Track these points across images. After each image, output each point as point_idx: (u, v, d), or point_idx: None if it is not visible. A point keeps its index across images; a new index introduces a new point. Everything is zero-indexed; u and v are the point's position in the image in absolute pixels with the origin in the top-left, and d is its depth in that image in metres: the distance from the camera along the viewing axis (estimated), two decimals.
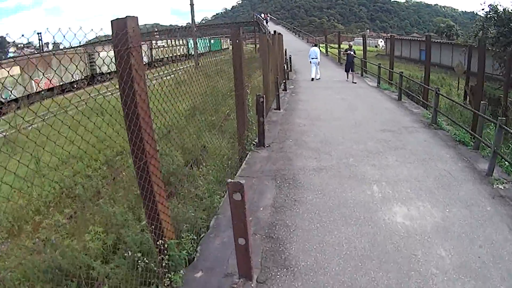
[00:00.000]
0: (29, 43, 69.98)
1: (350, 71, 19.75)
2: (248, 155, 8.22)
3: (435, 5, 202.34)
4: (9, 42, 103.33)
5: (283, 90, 16.60)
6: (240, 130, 8.37)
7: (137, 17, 3.53)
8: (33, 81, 25.50)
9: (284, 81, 16.71)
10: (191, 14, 42.50)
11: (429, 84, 16.51)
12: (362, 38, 29.49)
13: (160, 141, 12.89)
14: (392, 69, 20.72)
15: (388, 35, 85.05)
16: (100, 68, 31.27)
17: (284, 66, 19.71)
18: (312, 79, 20.68)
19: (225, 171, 7.66)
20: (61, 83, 26.84)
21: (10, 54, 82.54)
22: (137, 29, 3.46)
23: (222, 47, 64.74)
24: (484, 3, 24.18)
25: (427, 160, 7.76)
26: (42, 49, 63.10)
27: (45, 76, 24.94)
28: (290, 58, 25.16)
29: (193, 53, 30.10)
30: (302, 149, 8.54)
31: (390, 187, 6.46)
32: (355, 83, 19.08)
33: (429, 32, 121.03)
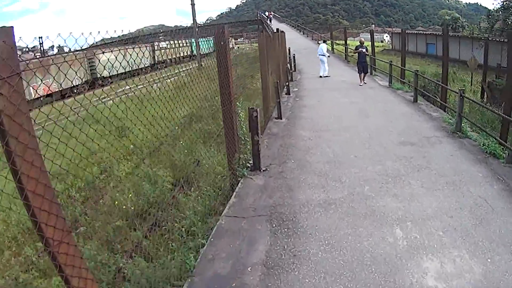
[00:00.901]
0: (34, 46, 68.93)
1: (362, 73, 17.19)
2: (240, 183, 6.72)
3: None
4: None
5: (286, 94, 15.11)
6: (229, 152, 6.88)
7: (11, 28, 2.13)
8: (31, 88, 23.80)
9: (287, 83, 15.17)
10: (192, 14, 41.74)
11: (447, 83, 14.88)
12: (369, 33, 27.87)
13: (148, 158, 11.77)
14: (404, 67, 19.12)
15: (394, 29, 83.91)
16: (100, 73, 30.60)
17: (287, 67, 18.18)
18: (320, 76, 20.05)
19: (217, 198, 6.36)
20: (60, 89, 26.49)
21: None
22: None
23: None
24: None
25: (457, 184, 6.29)
26: (43, 54, 62.31)
27: (43, 82, 23.20)
28: (294, 57, 23.51)
29: (203, 52, 28.94)
30: (306, 173, 7.00)
31: (418, 229, 4.98)
32: (365, 83, 17.11)
33: (434, 25, 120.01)
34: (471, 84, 27.88)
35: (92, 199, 10.09)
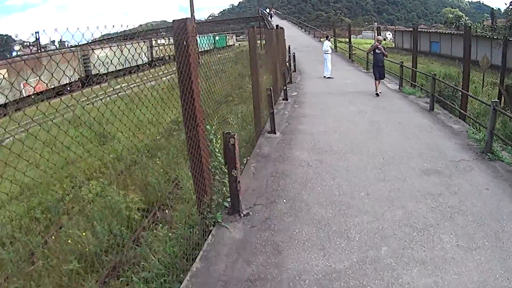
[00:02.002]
0: (34, 41, 67.40)
1: (379, 79, 14.05)
2: (210, 236, 4.88)
3: None
4: (14, 40, 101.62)
5: (283, 100, 13.21)
6: (198, 193, 5.04)
7: None
8: (22, 85, 23.61)
9: (284, 87, 13.26)
10: (190, 9, 40.06)
11: (468, 89, 13.00)
12: (376, 31, 26.01)
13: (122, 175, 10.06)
14: (416, 68, 17.21)
15: (396, 27, 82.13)
16: (96, 69, 29.42)
17: (285, 68, 16.30)
18: (324, 77, 18.58)
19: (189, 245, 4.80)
20: (52, 86, 24.75)
21: (15, 53, 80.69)
22: None
23: (228, 44, 62.72)
24: None
25: (500, 237, 4.60)
26: (39, 49, 61.17)
27: (35, 79, 22.94)
28: (294, 56, 21.56)
29: (202, 48, 27.59)
30: (301, 223, 5.08)
31: None
32: (380, 92, 13.94)
33: (436, 23, 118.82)
34: (483, 86, 25.92)
35: (55, 225, 8.32)
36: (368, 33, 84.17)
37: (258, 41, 47.13)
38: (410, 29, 62.11)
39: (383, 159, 7.30)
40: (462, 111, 11.97)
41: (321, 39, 38.69)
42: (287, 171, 6.89)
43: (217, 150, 5.55)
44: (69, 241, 6.74)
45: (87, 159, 12.31)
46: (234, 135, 4.92)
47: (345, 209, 5.39)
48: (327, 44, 19.35)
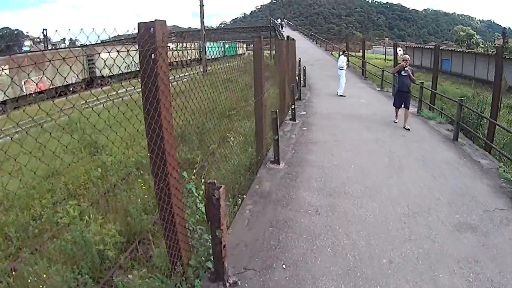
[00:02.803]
0: (46, 36, 66.93)
1: (402, 107, 11.65)
2: None
3: (452, 13, 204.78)
4: (26, 35, 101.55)
5: (290, 120, 11.92)
6: (172, 256, 3.76)
7: None
8: (22, 82, 23.87)
9: (292, 106, 11.93)
10: (200, 15, 39.85)
11: (497, 117, 11.64)
12: (393, 46, 24.71)
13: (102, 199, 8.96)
14: (436, 89, 15.88)
15: (407, 43, 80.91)
16: (100, 71, 29.62)
17: (294, 84, 15.05)
18: (340, 95, 17.13)
19: None
20: (53, 86, 24.98)
21: (25, 48, 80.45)
22: None
23: (238, 52, 61.85)
24: None
25: None
26: (46, 46, 61.03)
27: (37, 78, 22.67)
28: (304, 70, 20.30)
29: (211, 56, 27.46)
30: None
31: None
32: (408, 129, 11.18)
33: (447, 41, 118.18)
34: (499, 109, 24.51)
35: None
36: (379, 48, 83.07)
37: (268, 52, 46.32)
38: (421, 46, 61.34)
39: (408, 207, 5.97)
40: (489, 143, 10.63)
41: (333, 53, 37.61)
42: (291, 220, 5.58)
43: (198, 201, 4.28)
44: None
45: (75, 170, 11.41)
46: (220, 187, 3.64)
47: (362, 285, 4.07)
48: (343, 60, 18.03)
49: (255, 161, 7.96)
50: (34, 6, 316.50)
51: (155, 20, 3.13)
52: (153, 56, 3.16)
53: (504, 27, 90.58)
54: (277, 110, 7.39)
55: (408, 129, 11.06)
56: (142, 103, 3.32)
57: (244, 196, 6.43)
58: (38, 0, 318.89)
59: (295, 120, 11.83)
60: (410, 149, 9.16)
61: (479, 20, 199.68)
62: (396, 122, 11.86)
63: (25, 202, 9.41)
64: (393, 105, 12.05)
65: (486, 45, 70.02)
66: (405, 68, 11.32)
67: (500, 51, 11.85)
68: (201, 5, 39.16)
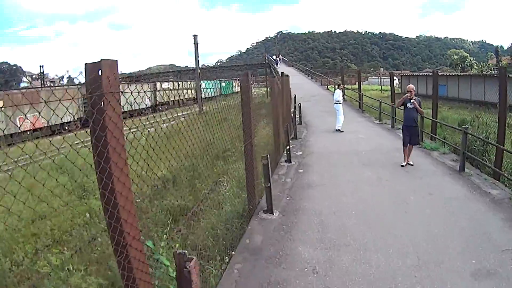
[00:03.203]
0: (43, 73, 67.66)
1: (409, 144, 10.38)
2: None
3: (445, 38, 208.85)
4: (24, 71, 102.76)
5: (285, 161, 11.32)
6: None
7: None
8: (18, 119, 24.17)
9: (287, 147, 11.36)
10: (194, 54, 39.68)
11: (504, 142, 10.95)
12: (389, 76, 24.31)
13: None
14: (437, 118, 15.32)
15: (402, 72, 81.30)
16: None
17: (289, 123, 14.55)
18: (338, 130, 16.63)
19: None
20: (48, 124, 24.69)
21: (23, 84, 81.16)
22: None
23: (234, 90, 62.12)
24: None
25: None
26: (43, 83, 61.83)
27: (32, 115, 22.69)
28: (299, 106, 19.89)
29: (207, 95, 27.59)
30: None
31: None
32: (412, 164, 10.36)
33: (441, 66, 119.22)
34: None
35: None
36: (374, 79, 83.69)
37: (264, 89, 46.39)
38: (416, 74, 61.49)
39: (417, 257, 5.27)
40: (498, 170, 9.96)
41: (329, 87, 37.43)
42: (284, 281, 4.87)
43: (171, 271, 3.63)
44: None
45: (63, 213, 10.79)
46: (192, 259, 3.01)
47: None
48: (339, 94, 17.57)
49: (247, 209, 7.32)
50: (34, 43, 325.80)
51: (102, 60, 2.58)
52: (101, 104, 2.60)
53: (497, 46, 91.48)
54: (268, 156, 6.80)
55: (412, 165, 10.32)
56: (94, 161, 2.74)
57: (233, 252, 5.76)
58: (39, 37, 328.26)
59: (290, 162, 11.20)
60: (415, 187, 8.52)
61: (471, 41, 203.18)
62: (403, 166, 10.28)
63: (8, 246, 8.88)
64: (403, 144, 10.52)
65: (480, 66, 70.37)
66: (411, 100, 10.27)
67: (503, 72, 11.23)
68: (196, 44, 39.43)
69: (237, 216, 7.31)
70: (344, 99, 25.12)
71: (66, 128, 28.06)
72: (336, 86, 19.48)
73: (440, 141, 13.94)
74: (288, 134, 11.22)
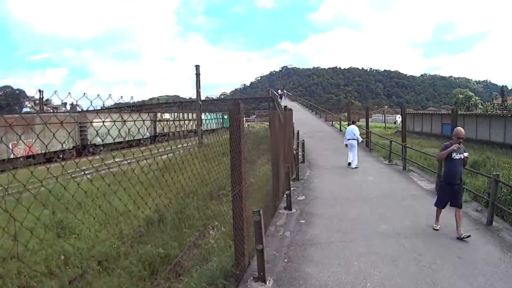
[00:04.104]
0: (47, 100, 67.08)
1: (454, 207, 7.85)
2: None
3: (449, 77, 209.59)
4: (28, 96, 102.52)
5: (284, 209, 9.71)
6: None
7: None
8: (10, 145, 23.84)
9: (287, 191, 9.76)
10: (196, 84, 38.89)
11: None
12: (400, 112, 22.89)
13: None
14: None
15: (406, 110, 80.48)
16: (91, 140, 30.25)
17: (290, 164, 13.05)
18: (349, 164, 16.00)
19: None
20: (43, 151, 24.87)
21: (26, 109, 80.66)
22: None
23: None
24: None
25: None
26: (42, 108, 61.38)
27: (24, 141, 22.25)
28: (303, 143, 18.41)
29: (210, 127, 26.94)
30: None
31: None
32: (466, 237, 7.37)
33: (445, 105, 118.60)
34: None
35: None
36: (378, 116, 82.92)
37: (267, 123, 45.43)
38: (421, 112, 60.60)
39: None
40: None
41: (334, 123, 36.06)
42: None
43: None
44: None
45: (37, 253, 9.76)
46: None
47: None
48: (352, 131, 16.80)
49: (234, 273, 5.77)
50: (40, 68, 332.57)
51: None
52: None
53: (502, 86, 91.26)
54: (260, 211, 5.30)
55: (466, 238, 7.40)
56: None
57: None
58: (45, 63, 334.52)
59: (291, 209, 9.59)
60: (441, 248, 6.98)
61: (476, 81, 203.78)
62: (437, 230, 7.98)
63: None
64: (435, 205, 8.25)
65: (485, 106, 70.09)
66: (459, 151, 7.86)
67: None
68: (197, 74, 38.67)
69: (223, 275, 5.82)
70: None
71: (61, 156, 27.58)
72: (351, 123, 18.45)
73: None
74: (289, 176, 9.72)
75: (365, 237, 7.53)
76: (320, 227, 8.28)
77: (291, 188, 10.39)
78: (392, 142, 18.06)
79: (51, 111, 46.41)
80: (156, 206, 9.63)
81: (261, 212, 5.25)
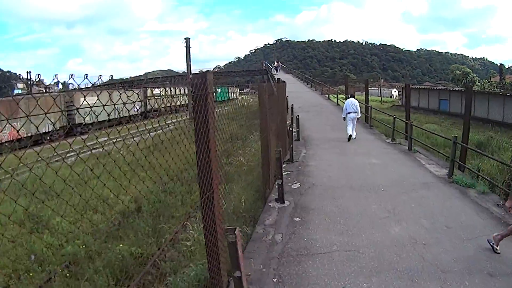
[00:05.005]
0: (39, 80, 65.20)
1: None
2: None
3: (446, 53, 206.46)
4: (18, 77, 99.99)
5: (276, 201, 8.11)
6: None
7: None
8: None
9: (279, 181, 8.12)
10: (186, 58, 37.63)
11: None
12: (403, 88, 21.38)
13: None
14: (467, 143, 12.32)
15: (401, 84, 79.08)
16: (80, 118, 27.64)
17: (283, 144, 11.50)
18: (349, 138, 15.42)
19: None
20: (28, 134, 23.69)
21: (17, 91, 79.04)
22: None
23: (230, 97, 59.28)
24: None
25: None
26: (30, 89, 59.71)
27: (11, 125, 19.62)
28: (298, 119, 16.81)
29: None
30: None
31: None
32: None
33: (441, 80, 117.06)
34: None
35: None
36: (374, 89, 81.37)
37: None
38: (418, 86, 59.14)
39: None
40: None
41: (330, 97, 34.42)
42: None
43: None
44: None
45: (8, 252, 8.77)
46: None
47: None
48: (353, 104, 16.11)
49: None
50: (31, 50, 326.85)
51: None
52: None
53: (501, 64, 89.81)
54: (236, 230, 3.74)
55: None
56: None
57: None
58: (35, 44, 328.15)
59: (283, 202, 8.02)
60: (462, 250, 5.55)
61: (472, 58, 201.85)
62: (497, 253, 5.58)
63: None
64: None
65: (483, 83, 69.04)
66: None
67: None
68: (187, 47, 37.53)
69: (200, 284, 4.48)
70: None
71: (48, 138, 26.11)
72: (349, 96, 17.58)
73: (471, 172, 11.05)
74: (281, 163, 8.16)
75: (374, 243, 5.99)
76: (318, 228, 6.69)
77: (284, 173, 8.86)
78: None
79: (43, 91, 44.30)
80: (140, 193, 8.36)
81: (237, 231, 3.70)
